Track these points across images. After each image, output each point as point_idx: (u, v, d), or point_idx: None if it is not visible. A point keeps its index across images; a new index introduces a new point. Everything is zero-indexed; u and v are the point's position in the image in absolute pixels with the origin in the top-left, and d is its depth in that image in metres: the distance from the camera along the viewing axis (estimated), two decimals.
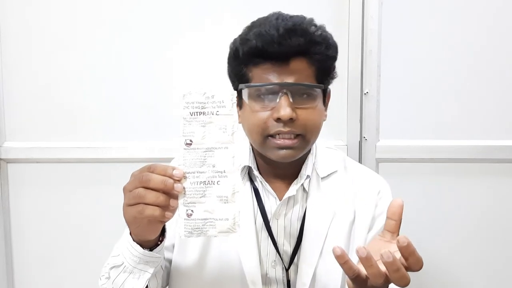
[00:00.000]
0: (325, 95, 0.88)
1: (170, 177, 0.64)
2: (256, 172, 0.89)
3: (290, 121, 0.79)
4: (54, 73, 1.39)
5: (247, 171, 0.90)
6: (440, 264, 1.41)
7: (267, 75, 0.80)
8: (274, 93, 0.80)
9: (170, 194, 0.64)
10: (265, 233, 0.87)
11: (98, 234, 1.42)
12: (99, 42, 1.38)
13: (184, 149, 0.65)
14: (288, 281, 0.86)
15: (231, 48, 0.86)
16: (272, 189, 0.89)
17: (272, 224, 0.88)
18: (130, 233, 0.72)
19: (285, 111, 0.78)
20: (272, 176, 0.90)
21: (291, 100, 0.79)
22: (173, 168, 0.64)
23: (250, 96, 0.82)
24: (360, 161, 1.37)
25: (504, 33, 1.33)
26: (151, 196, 0.63)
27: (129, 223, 0.69)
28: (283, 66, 0.80)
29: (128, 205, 0.66)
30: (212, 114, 0.65)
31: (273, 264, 0.87)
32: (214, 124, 0.65)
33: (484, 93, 1.35)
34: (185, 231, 0.65)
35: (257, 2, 1.30)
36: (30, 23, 1.38)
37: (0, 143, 1.42)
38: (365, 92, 1.34)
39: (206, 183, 0.65)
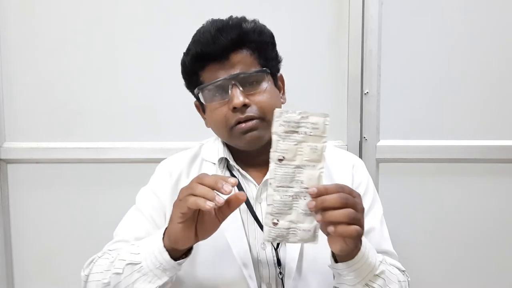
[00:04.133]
0: (276, 79, 0.93)
1: (218, 190, 0.68)
2: (232, 162, 0.93)
3: (245, 107, 0.85)
4: (54, 73, 1.39)
5: (225, 163, 0.94)
6: (440, 264, 1.41)
7: (215, 74, 0.87)
8: (225, 87, 0.86)
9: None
10: (251, 218, 0.90)
11: (98, 235, 1.42)
12: (99, 42, 1.38)
13: (276, 163, 0.70)
14: (278, 260, 0.89)
15: (181, 64, 0.93)
16: (251, 176, 0.93)
17: (256, 209, 0.90)
18: (163, 238, 0.75)
19: (238, 100, 0.84)
20: (249, 164, 0.94)
21: (241, 89, 0.85)
22: (224, 181, 0.68)
23: (207, 98, 0.89)
24: None
25: (504, 33, 1.33)
26: (211, 196, 0.68)
27: (173, 220, 0.73)
28: (225, 62, 0.86)
29: (179, 200, 0.71)
30: (305, 134, 0.69)
31: (262, 246, 0.89)
32: (306, 144, 0.69)
33: (484, 93, 1.35)
34: (269, 237, 0.70)
35: (258, 2, 1.30)
36: (30, 24, 1.38)
37: (0, 143, 1.42)
38: (365, 92, 1.34)
39: (294, 197, 0.69)
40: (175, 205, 0.72)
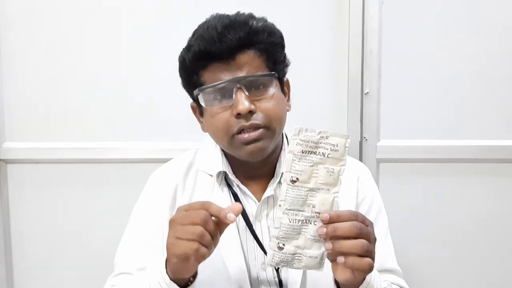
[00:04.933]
0: (282, 84, 0.87)
1: (223, 219, 0.64)
2: (232, 176, 0.88)
3: (250, 114, 0.78)
4: (53, 73, 1.39)
5: (223, 177, 0.89)
6: (441, 263, 1.41)
7: (218, 75, 0.79)
8: (229, 91, 0.79)
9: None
10: (250, 237, 0.86)
11: (97, 235, 1.42)
12: (99, 42, 1.37)
13: (288, 184, 0.65)
14: (280, 281, 0.85)
15: (179, 60, 0.85)
16: (251, 191, 0.88)
17: (256, 227, 0.86)
18: (167, 272, 0.70)
19: (243, 105, 0.77)
20: (248, 178, 0.88)
21: (246, 93, 0.78)
22: (228, 211, 0.65)
23: (207, 100, 0.81)
24: (360, 161, 1.37)
25: (504, 33, 1.33)
26: (209, 239, 0.64)
27: (175, 256, 0.66)
28: (230, 62, 0.79)
29: (179, 238, 0.64)
30: (323, 155, 0.65)
31: (262, 266, 0.86)
32: (322, 166, 0.65)
33: (484, 93, 1.35)
34: (272, 261, 0.66)
35: (259, 2, 1.30)
36: (30, 24, 1.38)
37: (0, 143, 1.42)
38: (365, 92, 1.34)
39: (304, 221, 0.65)
40: (172, 246, 0.66)
